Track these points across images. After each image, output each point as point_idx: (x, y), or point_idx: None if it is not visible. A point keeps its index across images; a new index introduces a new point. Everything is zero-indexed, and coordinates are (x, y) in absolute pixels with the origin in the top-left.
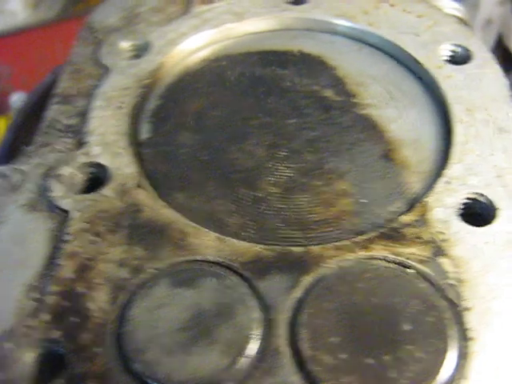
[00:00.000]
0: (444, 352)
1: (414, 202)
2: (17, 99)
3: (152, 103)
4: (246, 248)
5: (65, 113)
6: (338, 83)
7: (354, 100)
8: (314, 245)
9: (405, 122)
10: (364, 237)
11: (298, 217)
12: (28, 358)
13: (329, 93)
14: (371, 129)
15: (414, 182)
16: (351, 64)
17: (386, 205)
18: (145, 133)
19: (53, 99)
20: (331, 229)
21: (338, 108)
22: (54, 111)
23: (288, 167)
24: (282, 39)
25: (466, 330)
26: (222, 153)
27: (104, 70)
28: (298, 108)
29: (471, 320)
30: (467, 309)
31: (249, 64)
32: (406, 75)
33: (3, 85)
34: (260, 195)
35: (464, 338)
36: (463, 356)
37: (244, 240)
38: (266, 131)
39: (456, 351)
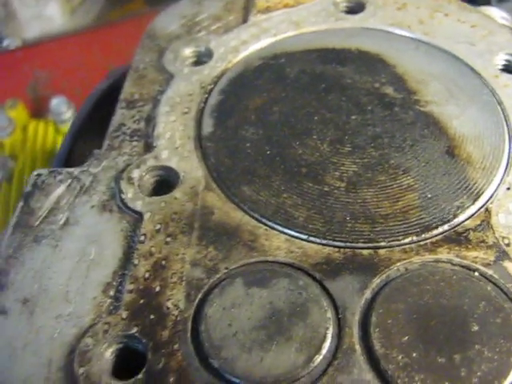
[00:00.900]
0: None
1: (479, 197)
2: (57, 103)
3: (214, 99)
4: (315, 250)
5: (131, 117)
6: (398, 80)
7: (415, 97)
8: (382, 239)
9: (466, 118)
10: (429, 235)
11: (364, 211)
12: (108, 353)
13: (389, 90)
14: (433, 125)
15: (478, 178)
16: (410, 62)
17: (451, 200)
18: (208, 128)
19: (118, 104)
20: (398, 223)
21: (400, 105)
22: (120, 116)
23: (353, 162)
24: (339, 37)
25: None
26: (286, 147)
27: (167, 76)
28: (360, 105)
29: None
30: None
31: (308, 61)
32: (464, 73)
33: (42, 90)
34: (326, 189)
35: None
36: None
37: (312, 235)
38: (328, 127)
39: None
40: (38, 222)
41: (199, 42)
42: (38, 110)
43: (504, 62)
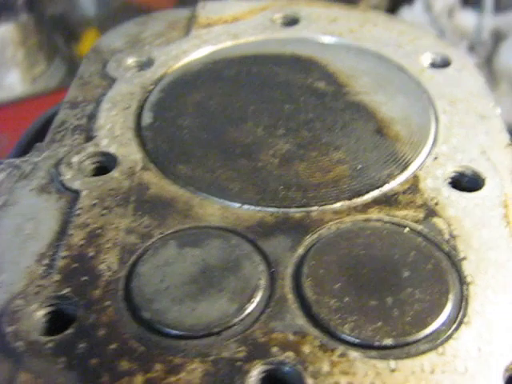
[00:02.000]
0: (445, 293)
1: (406, 167)
2: None
3: (154, 96)
4: (249, 215)
5: (74, 115)
6: (330, 76)
7: (346, 89)
8: (313, 204)
9: (394, 104)
10: (360, 200)
11: (297, 181)
12: (38, 313)
13: (321, 84)
14: (363, 110)
15: (406, 151)
16: (340, 61)
17: (380, 169)
18: (147, 119)
19: (62, 106)
20: (330, 190)
21: (331, 95)
22: (63, 114)
23: (286, 142)
24: (275, 45)
25: (464, 276)
26: (222, 132)
27: (110, 82)
28: (293, 96)
29: (468, 268)
30: (463, 258)
31: (244, 64)
32: (392, 69)
33: (2, 153)
34: (260, 164)
35: (462, 282)
36: (463, 298)
37: (246, 203)
38: (263, 115)
39: (456, 293)
40: None
41: (141, 53)
42: None
43: (430, 61)
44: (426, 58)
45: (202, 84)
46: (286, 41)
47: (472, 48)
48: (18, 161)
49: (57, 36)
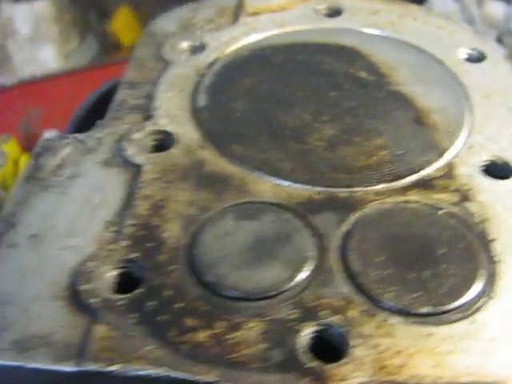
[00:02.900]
0: (476, 270)
1: (442, 154)
2: (49, 136)
3: (208, 80)
4: (299, 192)
5: (132, 95)
6: (372, 66)
7: (387, 79)
8: (357, 185)
9: (432, 95)
10: (400, 183)
11: (342, 163)
12: (109, 275)
13: (364, 74)
14: (403, 100)
15: (443, 140)
16: (382, 53)
17: (419, 156)
18: (202, 102)
19: (120, 86)
20: (372, 173)
21: (373, 85)
22: (122, 94)
23: (331, 127)
24: (319, 35)
25: (493, 255)
26: (272, 116)
27: (166, 65)
28: (338, 84)
29: (497, 248)
30: (493, 240)
31: (291, 52)
32: (430, 62)
33: (34, 126)
34: (308, 147)
35: (491, 261)
36: (492, 275)
37: (296, 182)
38: (310, 101)
39: (486, 270)
40: (46, 175)
41: (194, 37)
42: (30, 146)
43: (466, 55)
44: (463, 53)
45: (252, 70)
46: (329, 31)
47: (501, 38)
48: (82, 136)
49: (90, 13)
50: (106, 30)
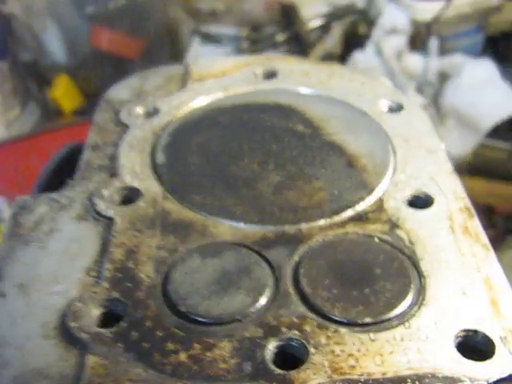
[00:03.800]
0: (408, 284)
1: (373, 192)
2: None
3: (164, 140)
4: (253, 232)
5: (97, 157)
6: (307, 121)
7: (320, 131)
8: (303, 222)
9: (360, 142)
10: (339, 218)
11: (288, 204)
12: (95, 312)
13: (300, 127)
14: (336, 148)
15: (372, 179)
16: (314, 108)
17: (353, 194)
18: (161, 159)
19: (85, 149)
20: (315, 211)
21: (309, 136)
22: (87, 156)
23: (277, 174)
24: (259, 96)
25: (421, 272)
26: (224, 168)
27: (124, 128)
28: (278, 137)
29: (424, 266)
30: (421, 259)
31: (236, 112)
32: (356, 114)
33: None
34: (258, 192)
35: (420, 276)
36: (421, 288)
37: (250, 223)
38: (256, 153)
39: (416, 284)
40: (25, 232)
41: (148, 103)
42: None
43: (386, 107)
44: (384, 104)
45: (202, 129)
46: (267, 92)
47: (420, 88)
48: (55, 195)
49: (30, 82)
50: (46, 98)
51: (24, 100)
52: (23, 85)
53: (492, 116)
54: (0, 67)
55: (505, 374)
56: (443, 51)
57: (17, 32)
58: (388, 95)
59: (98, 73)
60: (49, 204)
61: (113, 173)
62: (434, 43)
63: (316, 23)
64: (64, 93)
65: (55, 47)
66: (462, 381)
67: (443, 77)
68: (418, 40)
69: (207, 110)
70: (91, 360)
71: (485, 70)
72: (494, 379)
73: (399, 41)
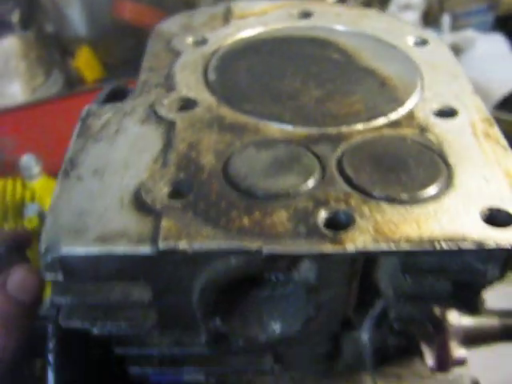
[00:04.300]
0: (438, 171)
1: (404, 104)
2: (27, 159)
3: (214, 63)
4: (299, 133)
5: (153, 76)
6: (341, 50)
7: (354, 59)
8: (343, 126)
9: (392, 68)
10: (375, 123)
11: (329, 112)
12: (164, 189)
13: (336, 55)
14: (370, 71)
15: (403, 96)
16: (348, 41)
17: (387, 107)
18: (212, 77)
19: (141, 72)
20: (354, 118)
21: (344, 62)
22: (144, 76)
23: (317, 91)
24: (298, 31)
25: (449, 163)
26: (269, 85)
27: (175, 55)
28: (316, 63)
29: (451, 159)
30: (448, 155)
31: (276, 42)
32: (387, 46)
33: (8, 155)
34: (301, 103)
35: (448, 168)
36: (449, 176)
37: (296, 125)
38: (297, 74)
39: (445, 172)
40: (94, 133)
41: (197, 34)
42: (6, 171)
43: (413, 42)
44: (410, 40)
45: (248, 55)
46: (305, 28)
47: None
48: (118, 104)
49: (54, 52)
50: (68, 68)
51: (48, 69)
52: (48, 55)
53: (502, 88)
54: (25, 37)
55: None
56: (455, 28)
57: (41, 4)
58: (414, 32)
59: (119, 44)
60: (113, 110)
61: (169, 88)
62: (446, 19)
63: None
64: (85, 63)
65: (77, 20)
66: (488, 244)
67: (456, 50)
68: (430, 16)
69: (250, 41)
70: (165, 223)
71: (496, 44)
72: None
73: (413, 16)
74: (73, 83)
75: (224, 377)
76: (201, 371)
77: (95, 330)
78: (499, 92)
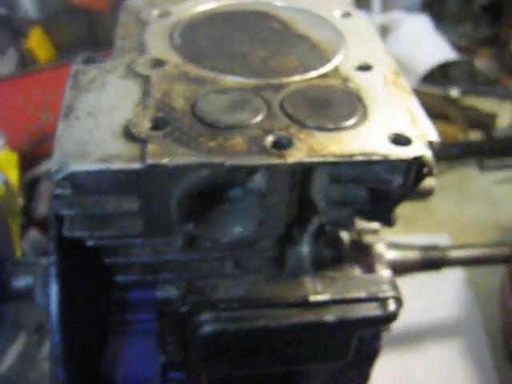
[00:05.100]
0: (356, 108)
1: (331, 62)
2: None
3: (178, 30)
4: (249, 83)
5: (127, 43)
6: (280, 21)
7: (291, 27)
8: (284, 77)
9: (322, 34)
10: (308, 76)
11: (273, 68)
12: (147, 124)
13: (276, 25)
14: (303, 38)
15: (330, 55)
16: (286, 14)
17: (318, 64)
18: (177, 41)
19: (115, 41)
20: (291, 71)
21: (283, 30)
22: (119, 44)
23: (262, 52)
24: (243, 6)
25: (365, 103)
26: (224, 48)
27: (144, 25)
28: (260, 30)
29: (366, 101)
30: (364, 97)
31: (228, 14)
32: (318, 18)
33: None
34: (250, 62)
35: (364, 105)
36: (364, 112)
37: (246, 77)
38: (244, 40)
39: (361, 109)
40: (83, 84)
41: (161, 7)
42: None
43: (339, 14)
44: (337, 13)
45: (205, 25)
46: (250, 3)
47: None
48: (100, 64)
49: (7, 33)
50: (22, 48)
51: (2, 49)
52: (1, 36)
53: (426, 62)
54: None
55: (419, 154)
56: (384, 9)
57: None
58: (340, 7)
59: (70, 25)
60: (97, 69)
61: (142, 51)
62: (376, 1)
63: None
64: (37, 44)
65: (27, 2)
66: (391, 156)
67: (384, 30)
68: None
69: (207, 13)
70: (150, 146)
71: (421, 23)
72: (413, 156)
73: None
74: (26, 63)
75: (193, 282)
76: (174, 277)
77: (90, 242)
78: (423, 67)
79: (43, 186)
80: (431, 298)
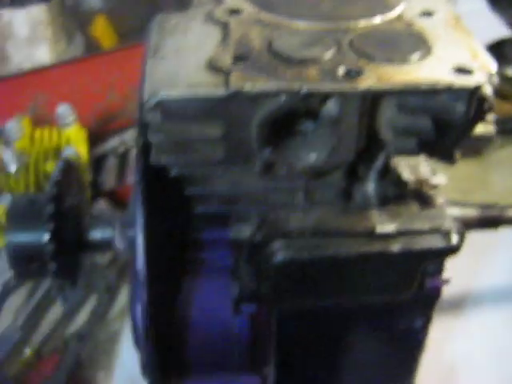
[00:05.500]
0: (421, 43)
1: (395, 9)
2: (63, 109)
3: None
4: (320, 26)
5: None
6: None
7: None
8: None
9: None
10: (376, 19)
11: (341, 15)
12: (228, 59)
13: None
14: None
15: (394, 4)
16: None
17: (383, 10)
18: None
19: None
20: (359, 16)
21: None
22: (197, 2)
23: (330, 3)
24: None
25: (428, 42)
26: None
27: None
28: None
29: (430, 40)
30: (428, 38)
31: None
32: None
33: (40, 108)
34: (320, 9)
35: (428, 44)
36: (429, 48)
37: (316, 21)
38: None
39: (426, 45)
40: (169, 30)
41: None
42: (39, 124)
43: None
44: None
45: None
46: None
47: None
48: (183, 13)
49: (74, 20)
50: (88, 34)
51: (70, 36)
52: (69, 23)
53: (481, 41)
54: (50, 6)
55: (481, 82)
56: None
57: None
58: None
59: (133, 13)
60: (179, 17)
61: (218, 2)
62: None
63: None
64: (102, 32)
65: None
66: (455, 85)
67: None
68: None
69: None
70: (233, 75)
71: (476, 3)
72: (474, 84)
73: None
74: (92, 50)
75: (265, 216)
76: (250, 210)
77: (174, 170)
78: None
79: (110, 161)
80: (490, 263)
